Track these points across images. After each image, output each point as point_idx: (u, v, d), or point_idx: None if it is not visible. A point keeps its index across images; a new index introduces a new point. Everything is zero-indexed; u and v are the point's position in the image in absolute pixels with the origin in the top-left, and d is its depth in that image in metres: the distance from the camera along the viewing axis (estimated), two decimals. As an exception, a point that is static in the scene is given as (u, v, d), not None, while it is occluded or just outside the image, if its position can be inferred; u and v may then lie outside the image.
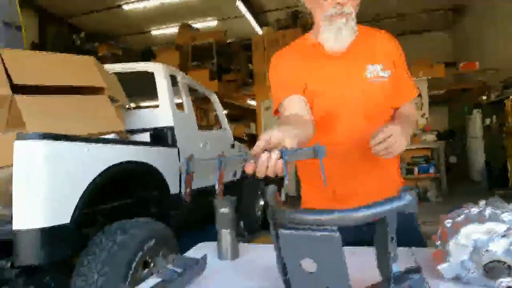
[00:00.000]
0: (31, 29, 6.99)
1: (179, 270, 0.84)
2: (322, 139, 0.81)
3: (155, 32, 9.41)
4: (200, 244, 1.17)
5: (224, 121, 4.08)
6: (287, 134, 0.75)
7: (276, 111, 1.15)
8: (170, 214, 2.40)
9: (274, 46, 7.44)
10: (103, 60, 5.36)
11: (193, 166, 0.78)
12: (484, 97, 6.88)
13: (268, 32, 8.00)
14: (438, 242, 0.74)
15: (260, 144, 0.72)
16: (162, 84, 2.58)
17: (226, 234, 1.03)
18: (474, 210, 0.73)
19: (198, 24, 8.76)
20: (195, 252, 1.09)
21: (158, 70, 2.62)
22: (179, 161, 2.46)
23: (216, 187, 0.77)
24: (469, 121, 7.91)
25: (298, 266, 0.71)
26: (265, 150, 0.71)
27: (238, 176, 4.16)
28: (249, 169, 0.71)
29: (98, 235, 1.60)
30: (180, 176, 2.46)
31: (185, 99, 2.95)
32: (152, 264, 1.72)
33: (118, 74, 2.64)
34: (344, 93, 1.08)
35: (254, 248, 1.10)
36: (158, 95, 2.57)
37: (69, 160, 1.56)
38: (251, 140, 6.70)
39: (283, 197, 6.65)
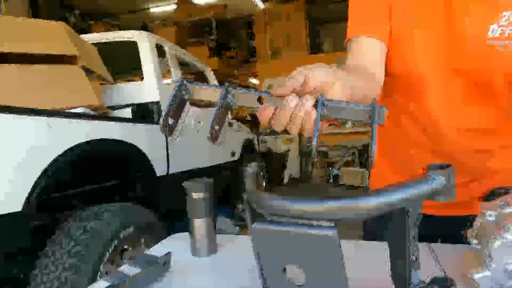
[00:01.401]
0: (19, 8, 6.65)
1: (131, 273, 0.66)
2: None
3: (153, 9, 9.04)
4: (173, 236, 0.99)
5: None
6: (336, 77, 0.49)
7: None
8: (159, 199, 2.20)
9: (277, 22, 7.12)
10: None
11: (188, 93, 0.51)
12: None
13: (271, 6, 7.63)
14: (475, 241, 0.54)
15: (289, 82, 0.46)
16: (146, 54, 2.33)
17: (200, 224, 0.85)
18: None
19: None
20: (165, 246, 0.91)
21: (142, 39, 2.37)
22: (166, 139, 2.25)
23: (210, 127, 0.47)
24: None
25: (281, 274, 0.52)
26: (295, 93, 0.46)
27: (236, 156, 3.97)
28: (264, 116, 0.47)
29: (67, 221, 1.41)
30: (167, 154, 2.25)
31: (174, 72, 2.70)
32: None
33: (101, 46, 2.41)
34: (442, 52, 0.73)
35: (238, 240, 0.91)
36: (142, 66, 2.33)
37: (18, 138, 1.31)
38: (254, 121, 6.41)
39: (286, 179, 6.38)
